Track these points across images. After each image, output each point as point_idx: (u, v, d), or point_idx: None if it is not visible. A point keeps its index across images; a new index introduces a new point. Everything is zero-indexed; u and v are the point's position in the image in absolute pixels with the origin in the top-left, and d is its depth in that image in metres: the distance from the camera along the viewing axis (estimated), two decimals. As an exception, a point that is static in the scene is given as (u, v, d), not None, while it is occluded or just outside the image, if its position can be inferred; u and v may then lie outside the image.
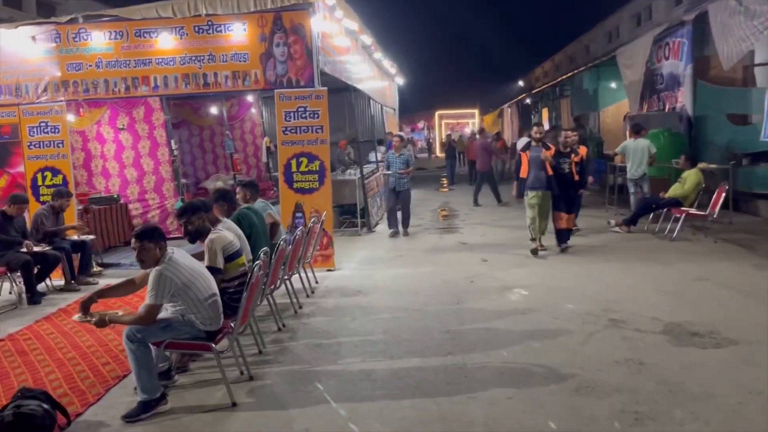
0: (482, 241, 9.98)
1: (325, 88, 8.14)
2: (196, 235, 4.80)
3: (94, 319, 4.03)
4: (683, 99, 13.41)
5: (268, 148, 16.60)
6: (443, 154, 22.33)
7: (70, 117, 10.63)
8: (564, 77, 26.14)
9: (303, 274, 7.11)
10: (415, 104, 49.20)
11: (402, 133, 13.57)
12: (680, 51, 13.74)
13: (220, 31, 8.07)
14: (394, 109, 19.47)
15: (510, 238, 9.99)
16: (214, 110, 16.08)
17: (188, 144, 17.42)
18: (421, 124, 48.94)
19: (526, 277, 7.42)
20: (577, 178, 8.69)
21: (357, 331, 5.68)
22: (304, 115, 8.09)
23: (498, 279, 7.38)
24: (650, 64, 15.24)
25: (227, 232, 4.91)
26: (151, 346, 4.09)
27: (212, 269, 4.64)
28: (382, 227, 11.81)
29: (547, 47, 44.32)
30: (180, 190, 11.20)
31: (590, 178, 10.32)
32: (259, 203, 6.55)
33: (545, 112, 34.37)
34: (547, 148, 8.44)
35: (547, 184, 8.39)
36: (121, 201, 10.95)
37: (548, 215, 8.68)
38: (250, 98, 16.32)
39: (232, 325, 4.42)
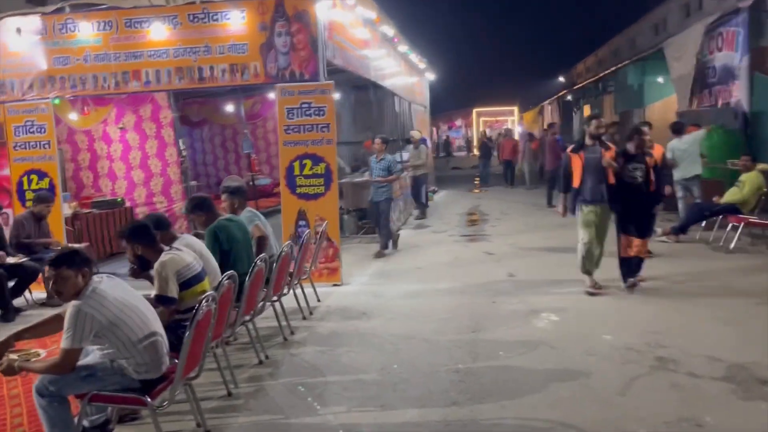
0: (511, 251, 8.95)
1: (332, 82, 7.25)
2: (144, 262, 3.97)
3: (2, 367, 3.22)
4: (738, 93, 12.07)
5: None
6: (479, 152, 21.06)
7: (73, 116, 10.06)
8: (607, 72, 24.73)
9: (304, 291, 6.25)
10: (452, 102, 48.07)
11: (382, 137, 12.72)
12: (735, 41, 12.43)
13: (217, 19, 7.26)
14: (425, 107, 18.47)
15: (542, 248, 8.94)
16: (234, 108, 15.41)
17: (210, 143, 16.82)
18: (458, 122, 47.68)
19: (557, 299, 6.38)
20: (652, 188, 6.48)
21: (349, 367, 4.75)
22: (308, 112, 7.22)
23: (524, 300, 6.36)
24: (701, 56, 13.91)
25: (184, 253, 4.06)
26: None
27: (163, 299, 3.80)
28: (404, 234, 10.87)
29: (589, 41, 42.52)
30: (189, 193, 10.48)
31: (667, 188, 8.22)
32: (246, 213, 5.71)
33: (587, 109, 32.91)
34: (607, 149, 6.40)
35: (609, 197, 6.39)
36: (127, 204, 10.30)
37: (605, 238, 6.70)
38: (272, 96, 15.56)
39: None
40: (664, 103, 20.73)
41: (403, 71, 14.66)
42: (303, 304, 6.17)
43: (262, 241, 5.54)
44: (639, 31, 31.24)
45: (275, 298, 5.38)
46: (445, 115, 46.84)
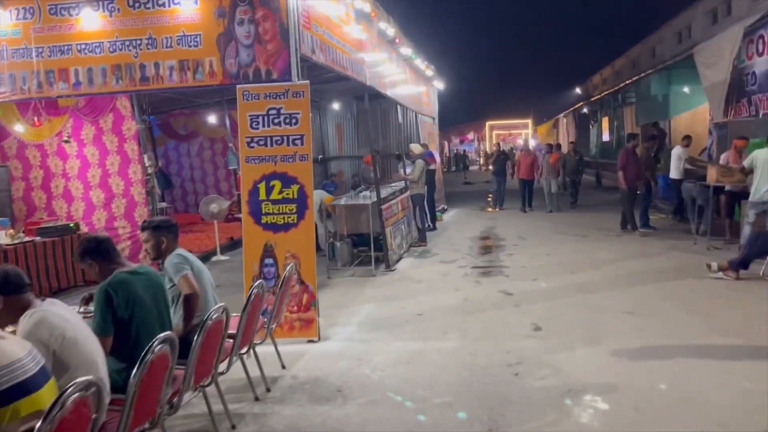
0: (533, 290, 7.24)
1: (306, 82, 5.65)
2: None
3: None
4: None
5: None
6: (491, 168, 17.76)
7: (20, 127, 8.56)
8: (628, 82, 23.05)
9: (257, 357, 4.61)
10: (464, 114, 46.54)
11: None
12: (778, 45, 10.83)
13: (163, 4, 5.71)
14: (434, 118, 16.85)
15: (572, 288, 7.21)
16: (221, 119, 13.88)
17: (199, 158, 15.33)
18: (470, 135, 46.05)
19: (605, 365, 4.68)
20: None
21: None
22: (277, 120, 5.61)
23: (558, 370, 4.65)
24: (738, 61, 12.19)
25: (12, 342, 2.43)
26: None
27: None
28: (406, 263, 9.20)
29: (606, 52, 40.82)
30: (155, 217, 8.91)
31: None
32: (172, 258, 4.07)
33: (605, 122, 31.17)
34: None
35: None
36: (84, 230, 8.72)
37: None
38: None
39: None
40: (691, 114, 19.00)
41: (409, 79, 13.06)
42: (270, 368, 4.52)
43: (189, 302, 3.89)
44: (660, 40, 29.50)
45: (207, 380, 3.73)
46: (456, 128, 45.26)
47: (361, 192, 9.92)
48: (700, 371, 4.53)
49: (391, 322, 6.17)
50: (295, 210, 5.60)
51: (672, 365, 4.67)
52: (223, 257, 10.37)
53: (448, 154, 44.39)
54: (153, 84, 5.81)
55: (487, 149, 38.32)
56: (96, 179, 8.92)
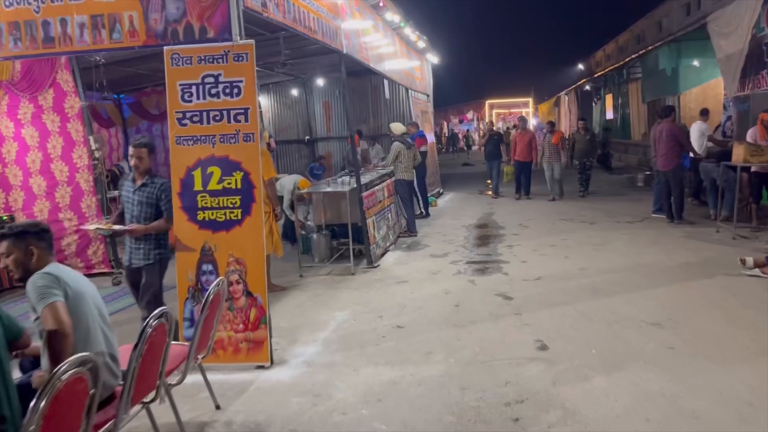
0: (537, 293, 6.07)
1: (251, 42, 4.43)
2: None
3: None
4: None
5: (267, 145, 13.02)
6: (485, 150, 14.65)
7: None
8: (635, 56, 21.69)
9: (170, 401, 3.48)
10: (464, 93, 45.16)
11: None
12: (803, 11, 9.64)
13: (70, -56, 4.48)
14: (428, 95, 15.57)
15: (584, 289, 6.05)
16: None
17: (163, 140, 14.08)
18: (470, 115, 44.58)
19: (632, 405, 3.53)
20: None
21: None
22: (215, 91, 4.42)
23: (571, 413, 3.51)
24: (757, 30, 10.95)
25: None
26: None
27: None
28: (391, 258, 8.04)
29: (609, 27, 39.25)
30: (104, 207, 7.74)
31: None
32: (37, 279, 2.89)
33: (609, 99, 29.80)
34: None
35: None
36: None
37: None
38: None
39: None
40: (702, 89, 17.73)
41: (398, 51, 11.79)
42: (199, 409, 3.38)
43: (53, 341, 2.72)
44: (667, 12, 27.99)
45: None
46: (456, 107, 43.85)
47: (342, 177, 8.73)
48: (763, 414, 3.39)
49: (364, 338, 5.02)
50: (238, 203, 4.42)
51: (724, 406, 3.52)
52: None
53: (447, 134, 43.02)
54: (60, 47, 4.58)
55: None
56: (36, 164, 7.75)
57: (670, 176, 9.30)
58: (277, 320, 5.50)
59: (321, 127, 15.74)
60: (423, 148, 11.32)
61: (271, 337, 4.52)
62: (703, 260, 7.01)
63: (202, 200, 4.45)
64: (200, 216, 4.45)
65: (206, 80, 4.42)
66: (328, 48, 7.27)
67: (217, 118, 4.42)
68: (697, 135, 10.50)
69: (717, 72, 15.18)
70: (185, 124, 4.45)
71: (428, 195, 13.03)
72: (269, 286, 6.60)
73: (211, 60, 4.41)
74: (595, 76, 30.81)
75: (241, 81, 4.40)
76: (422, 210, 11.43)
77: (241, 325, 4.46)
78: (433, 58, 15.29)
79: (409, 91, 13.08)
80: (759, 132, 9.04)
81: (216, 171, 4.43)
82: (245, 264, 4.43)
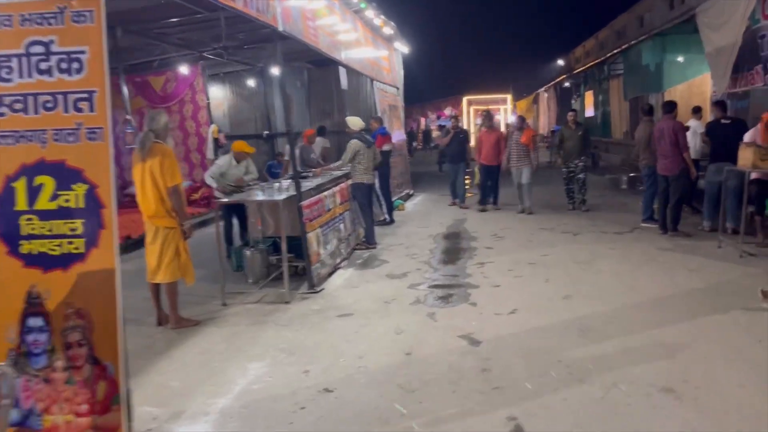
0: (512, 331, 4.74)
1: (97, -6, 3.01)
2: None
3: None
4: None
5: (216, 140, 11.59)
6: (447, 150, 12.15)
7: None
8: (617, 51, 20.58)
9: None
10: (441, 88, 43.94)
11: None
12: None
13: None
14: (398, 88, 14.18)
15: (571, 325, 4.74)
16: (139, 88, 11.20)
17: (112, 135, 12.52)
18: (448, 111, 43.25)
19: None
20: None
21: None
22: (45, 65, 2.99)
23: None
24: (751, 22, 9.77)
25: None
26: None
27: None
28: (340, 279, 6.67)
29: (589, 22, 38.11)
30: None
31: None
32: None
33: (589, 96, 28.72)
34: None
35: None
36: None
37: None
38: (184, 70, 11.28)
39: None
40: (687, 86, 16.64)
41: (362, 38, 10.40)
42: None
43: None
44: (649, 7, 26.91)
45: None
46: (433, 103, 42.56)
47: (278, 179, 7.32)
48: None
49: (276, 410, 3.63)
50: (80, 230, 3.00)
51: None
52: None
53: (424, 130, 41.67)
54: None
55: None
56: None
57: (673, 182, 8.05)
58: (169, 375, 4.11)
59: (281, 121, 14.30)
60: (386, 147, 9.95)
61: (130, 420, 3.12)
62: (711, 286, 5.75)
63: (27, 225, 3.02)
64: (24, 247, 3.02)
65: (33, 50, 2.99)
66: (283, 34, 5.92)
67: (50, 105, 3.00)
68: (690, 135, 9.29)
69: (703, 68, 14.06)
70: (3, 114, 3.02)
71: (394, 198, 11.69)
72: (177, 321, 5.21)
73: (39, 21, 2.98)
74: (575, 72, 29.73)
75: (83, 51, 2.97)
76: (386, 216, 10.07)
77: (84, 406, 3.05)
78: (403, 48, 13.89)
79: (375, 82, 11.69)
80: (761, 134, 7.82)
81: (48, 182, 3.01)
82: (91, 318, 3.02)
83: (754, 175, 7.24)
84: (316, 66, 14.63)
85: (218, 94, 14.12)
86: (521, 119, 11.33)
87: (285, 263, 5.85)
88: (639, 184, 13.29)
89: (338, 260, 7.13)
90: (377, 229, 9.48)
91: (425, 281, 6.41)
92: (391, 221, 10.08)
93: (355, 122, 8.27)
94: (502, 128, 17.38)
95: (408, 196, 13.39)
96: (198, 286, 5.96)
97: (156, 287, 5.26)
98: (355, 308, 5.54)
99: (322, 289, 6.22)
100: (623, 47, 19.37)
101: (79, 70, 2.99)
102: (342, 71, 9.23)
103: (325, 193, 7.06)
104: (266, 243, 7.13)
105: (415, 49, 15.08)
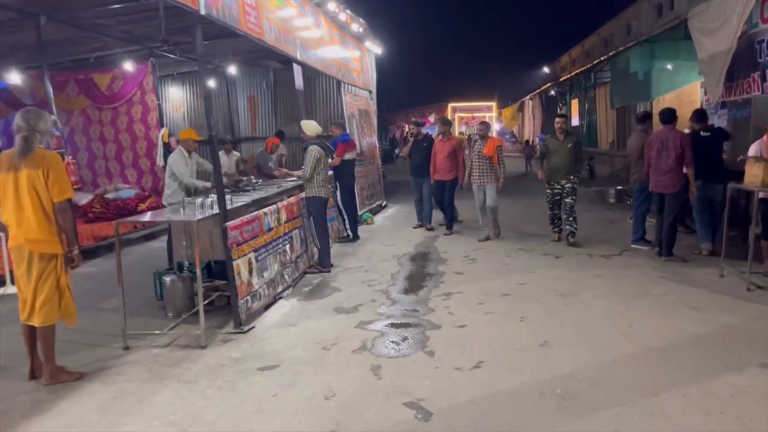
0: (474, 399, 3.65)
1: None
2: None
3: None
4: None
5: (166, 145, 10.42)
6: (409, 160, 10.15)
7: None
8: (604, 58, 19.67)
9: None
10: (425, 94, 43.05)
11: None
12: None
13: None
14: (370, 91, 13.10)
15: (550, 388, 3.66)
16: (82, 87, 10.06)
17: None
18: (432, 118, 42.32)
19: None
20: None
21: None
22: None
23: None
24: (748, 26, 8.86)
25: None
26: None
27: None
28: (275, 315, 5.56)
29: (575, 30, 37.30)
30: None
31: None
32: None
33: (575, 105, 27.88)
34: None
35: None
36: None
37: None
38: (129, 67, 10.14)
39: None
40: (676, 95, 15.77)
41: (326, 35, 9.34)
42: None
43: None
44: (636, 14, 26.15)
45: None
46: (417, 109, 41.61)
47: (209, 192, 6.20)
48: None
49: None
50: None
51: None
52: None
53: (407, 137, 40.66)
54: None
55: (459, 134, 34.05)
56: None
57: (670, 200, 7.05)
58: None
59: (245, 125, 13.17)
60: (349, 156, 8.85)
61: None
62: (718, 332, 4.71)
63: None
64: None
65: None
66: (207, 18, 4.85)
67: None
68: None
69: (692, 76, 13.18)
70: None
71: (363, 211, 10.61)
72: (53, 375, 4.05)
73: None
74: (561, 80, 28.88)
75: None
76: (348, 232, 8.98)
77: None
78: (376, 48, 12.83)
79: (342, 84, 10.62)
80: (766, 146, 6.86)
81: None
82: None
83: (762, 195, 6.26)
84: (284, 66, 13.54)
85: (177, 96, 12.99)
86: (485, 126, 9.09)
87: (200, 299, 4.73)
88: (627, 198, 12.32)
89: (280, 289, 6.01)
90: (338, 248, 8.42)
91: (378, 318, 5.31)
92: (355, 238, 8.99)
93: (310, 127, 7.19)
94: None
95: (380, 208, 12.31)
96: (107, 319, 4.86)
97: (31, 330, 4.13)
98: (284, 357, 4.43)
99: (252, 327, 5.10)
100: (611, 54, 18.48)
101: None
102: (297, 69, 8.15)
103: (266, 209, 5.95)
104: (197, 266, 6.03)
105: (399, 55, 14.22)
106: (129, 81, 10.41)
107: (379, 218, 11.29)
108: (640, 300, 5.61)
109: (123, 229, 9.26)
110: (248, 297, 5.22)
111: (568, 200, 8.16)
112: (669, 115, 7.46)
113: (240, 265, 5.11)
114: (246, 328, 5.01)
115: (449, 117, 36.59)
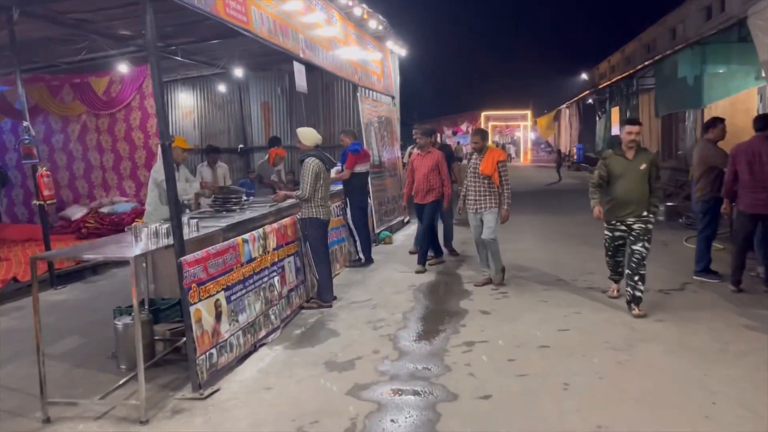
0: None
1: None
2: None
3: None
4: None
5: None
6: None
7: None
8: (648, 62, 18.15)
9: None
10: (458, 103, 41.85)
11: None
12: None
13: None
14: (393, 97, 11.94)
15: None
16: (79, 91, 9.18)
17: (46, 145, 10.49)
18: (464, 127, 40.98)
19: None
20: None
21: None
22: None
23: None
24: None
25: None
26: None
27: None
28: (251, 370, 4.41)
29: (615, 35, 35.61)
30: None
31: None
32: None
33: (615, 113, 26.23)
34: None
35: None
36: None
37: None
38: (126, 69, 9.21)
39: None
40: (730, 102, 14.24)
41: (340, 33, 8.25)
42: None
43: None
44: (682, 17, 24.45)
45: None
46: (449, 117, 40.36)
47: (191, 211, 5.11)
48: None
49: None
50: None
51: None
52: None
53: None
54: None
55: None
56: None
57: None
58: None
59: (259, 133, 12.17)
60: (361, 168, 7.69)
61: None
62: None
63: None
64: None
65: None
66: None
67: None
68: None
69: (749, 82, 11.77)
70: None
71: (381, 228, 9.45)
72: None
73: None
74: (600, 87, 27.27)
75: None
76: (360, 255, 7.81)
77: None
78: (400, 50, 11.65)
79: (359, 88, 9.49)
80: None
81: None
82: None
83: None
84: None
85: (187, 102, 12.07)
86: (480, 135, 6.72)
87: (139, 356, 3.59)
88: (681, 217, 10.86)
89: (263, 333, 4.86)
90: (346, 274, 7.28)
91: (379, 379, 4.11)
92: (368, 261, 7.81)
93: (309, 135, 6.03)
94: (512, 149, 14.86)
95: (402, 225, 11.12)
96: (50, 370, 3.80)
97: None
98: (244, 442, 3.27)
99: (215, 391, 3.95)
100: (656, 58, 16.96)
101: None
102: (299, 69, 7.04)
103: (247, 235, 4.83)
104: (166, 304, 4.96)
105: (427, 58, 12.95)
106: (128, 85, 9.51)
107: (399, 236, 10.10)
108: (721, 360, 4.28)
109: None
110: (213, 350, 4.08)
111: (637, 248, 5.37)
112: (763, 122, 6.06)
113: (201, 309, 3.98)
114: (206, 393, 3.87)
115: (482, 125, 35.15)
